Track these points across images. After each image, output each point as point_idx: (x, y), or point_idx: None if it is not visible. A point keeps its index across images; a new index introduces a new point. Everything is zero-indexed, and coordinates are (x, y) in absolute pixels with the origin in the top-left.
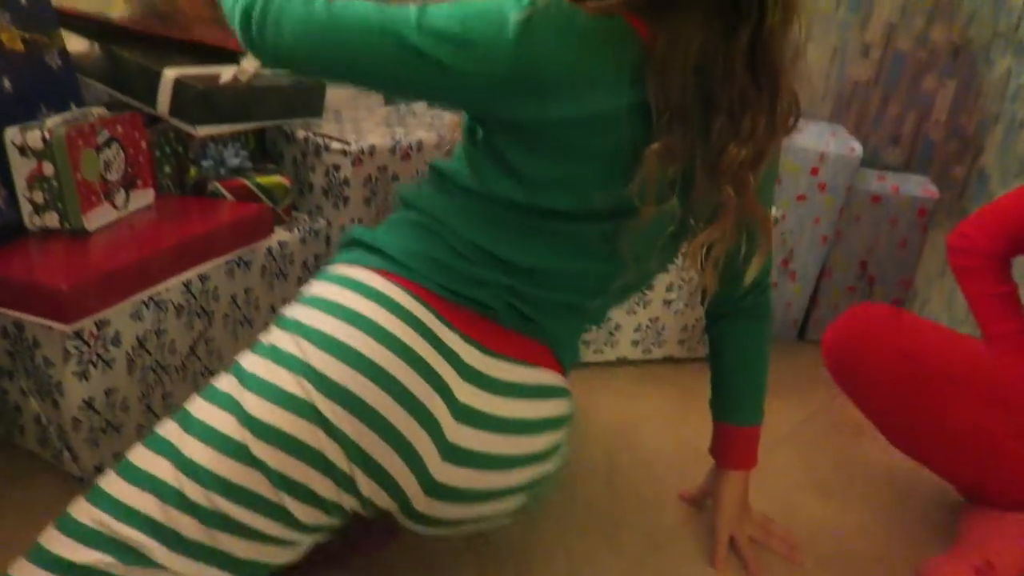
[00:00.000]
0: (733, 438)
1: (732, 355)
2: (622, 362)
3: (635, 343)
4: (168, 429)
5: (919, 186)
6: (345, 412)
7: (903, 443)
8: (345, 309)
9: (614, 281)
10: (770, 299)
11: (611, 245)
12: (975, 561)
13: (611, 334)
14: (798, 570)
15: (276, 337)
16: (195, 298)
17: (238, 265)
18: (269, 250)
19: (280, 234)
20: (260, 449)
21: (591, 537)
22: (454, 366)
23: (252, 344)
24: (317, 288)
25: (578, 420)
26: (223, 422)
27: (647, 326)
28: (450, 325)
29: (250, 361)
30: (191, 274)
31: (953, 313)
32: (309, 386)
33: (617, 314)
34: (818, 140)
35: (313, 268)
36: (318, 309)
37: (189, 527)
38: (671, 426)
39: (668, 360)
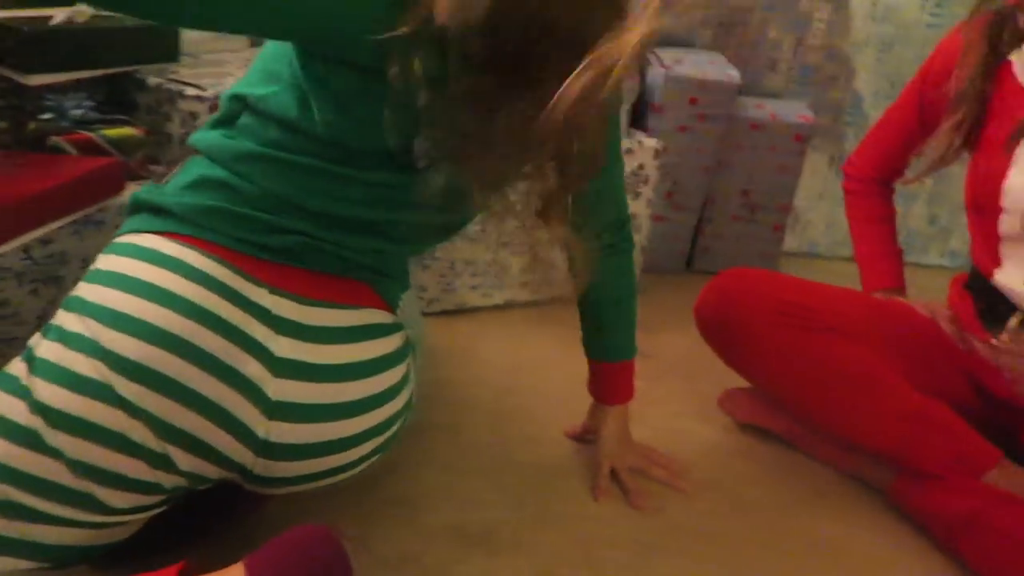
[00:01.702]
0: (608, 374)
1: (598, 292)
2: (510, 304)
3: (524, 285)
4: None
5: (796, 112)
6: (146, 389)
7: (788, 402)
8: (133, 280)
9: (423, 227)
10: (630, 233)
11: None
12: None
13: (498, 277)
14: (681, 494)
15: (63, 319)
16: (37, 264)
17: (86, 225)
18: (122, 207)
19: (135, 189)
20: (55, 437)
21: (476, 479)
22: (266, 322)
23: (42, 327)
24: (101, 262)
25: (465, 363)
26: (11, 409)
27: (535, 268)
28: (255, 280)
29: (40, 346)
30: (29, 238)
31: (833, 235)
32: (103, 367)
33: (504, 256)
34: (696, 69)
35: None
36: (104, 284)
37: None
38: (558, 366)
39: (557, 300)
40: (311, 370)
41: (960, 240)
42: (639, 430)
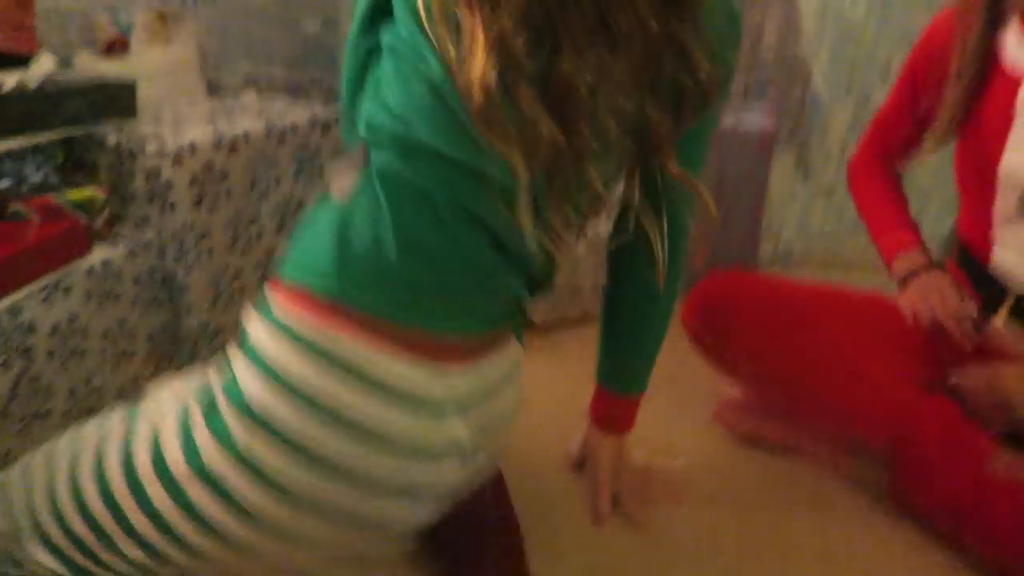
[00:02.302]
0: (614, 404)
1: (630, 325)
2: None
3: None
4: None
5: (758, 119)
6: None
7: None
8: None
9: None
10: (680, 275)
11: None
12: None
13: None
14: (683, 509)
15: None
16: (5, 335)
17: (54, 291)
18: (90, 270)
19: (102, 251)
20: None
21: None
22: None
23: None
24: None
25: None
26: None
27: None
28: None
29: None
30: None
31: (806, 237)
32: None
33: None
34: None
35: (148, 283)
36: None
37: None
38: (550, 392)
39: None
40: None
41: (927, 227)
42: (634, 447)
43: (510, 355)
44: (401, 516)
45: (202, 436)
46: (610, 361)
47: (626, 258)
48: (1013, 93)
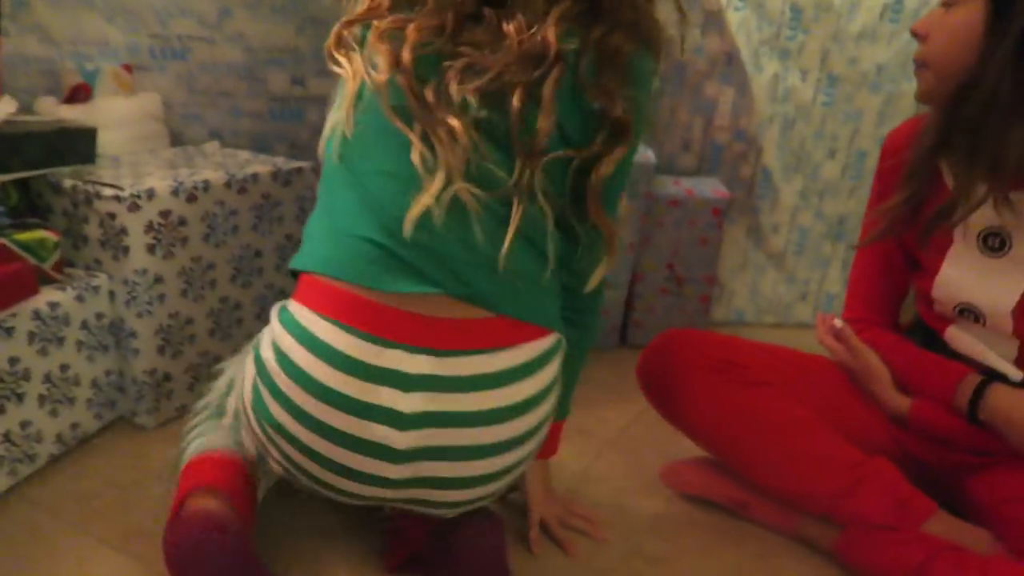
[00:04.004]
0: None
1: None
2: None
3: None
4: None
5: (711, 187)
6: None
7: (730, 457)
8: (293, 365)
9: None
10: (598, 307)
11: None
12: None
13: None
14: (632, 569)
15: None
16: None
17: None
18: (36, 312)
19: (49, 294)
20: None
21: None
22: (394, 383)
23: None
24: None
25: None
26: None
27: None
28: (388, 343)
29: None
30: None
31: (758, 303)
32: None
33: None
34: None
35: (95, 328)
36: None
37: None
38: None
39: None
40: (446, 418)
41: None
42: (585, 504)
43: (513, 360)
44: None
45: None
46: None
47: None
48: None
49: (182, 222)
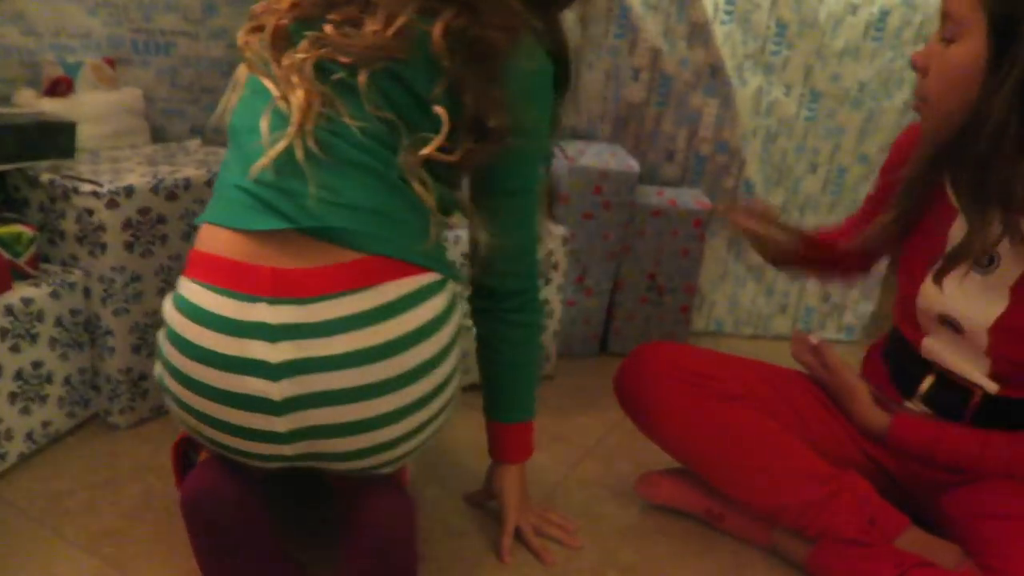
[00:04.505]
0: (505, 435)
1: (499, 359)
2: None
3: None
4: None
5: (693, 198)
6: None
7: (702, 470)
8: (175, 333)
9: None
10: (535, 307)
11: None
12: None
13: None
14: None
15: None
16: None
17: None
18: (9, 308)
19: (23, 289)
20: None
21: None
22: (262, 336)
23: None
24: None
25: None
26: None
27: None
28: (251, 297)
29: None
30: None
31: (737, 314)
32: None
33: None
34: (599, 160)
35: (70, 325)
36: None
37: None
38: (480, 453)
39: (472, 387)
40: (316, 364)
41: (853, 316)
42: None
43: (379, 299)
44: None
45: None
46: (491, 394)
47: (478, 288)
48: (948, 223)
49: (161, 220)
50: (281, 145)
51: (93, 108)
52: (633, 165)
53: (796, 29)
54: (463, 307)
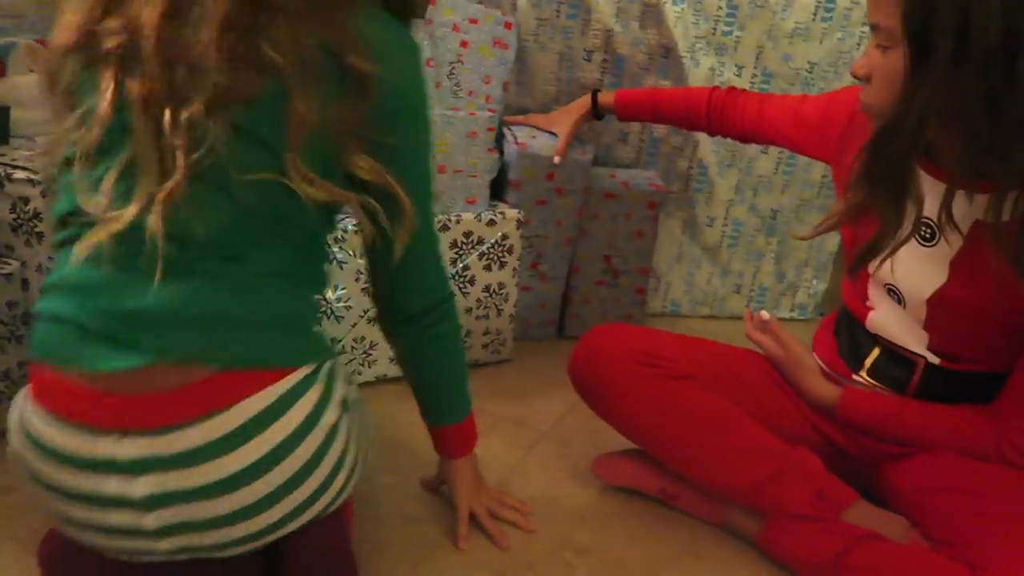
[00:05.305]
0: (447, 436)
1: (429, 372)
2: (381, 380)
3: (394, 360)
4: None
5: (647, 180)
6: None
7: (655, 450)
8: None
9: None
10: (455, 311)
11: None
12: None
13: (367, 353)
14: (564, 566)
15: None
16: None
17: None
18: None
19: None
20: None
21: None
22: (119, 471)
23: None
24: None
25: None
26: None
27: None
28: (100, 430)
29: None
30: None
31: (693, 295)
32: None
33: (371, 332)
34: (551, 145)
35: (7, 318)
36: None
37: None
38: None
39: None
40: (181, 496)
41: (806, 295)
42: (519, 496)
43: (237, 420)
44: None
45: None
46: (424, 403)
47: (391, 315)
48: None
49: None
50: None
51: (28, 92)
52: (587, 150)
53: (747, 10)
54: (343, 380)
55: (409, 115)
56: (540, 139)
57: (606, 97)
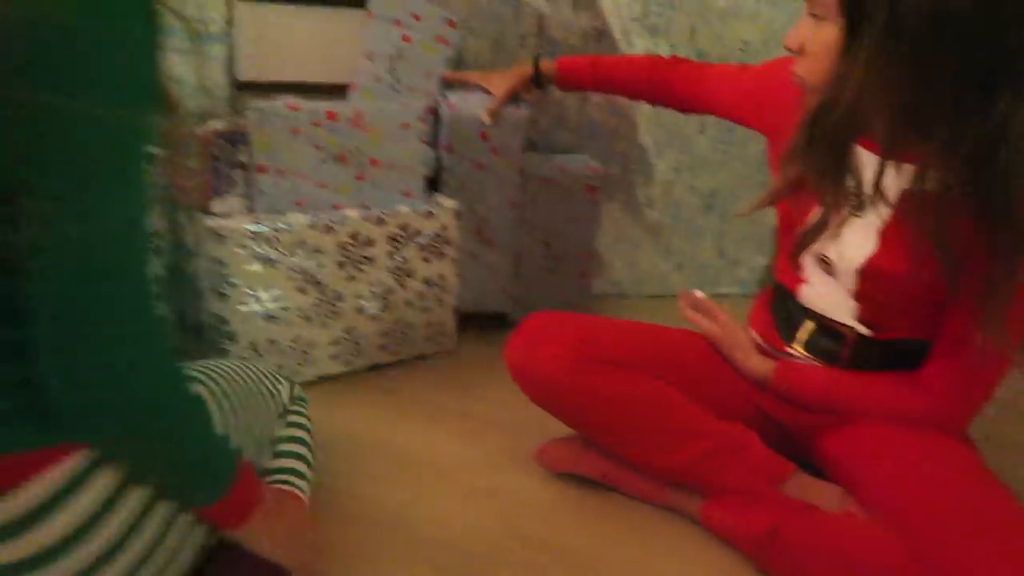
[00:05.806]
0: (219, 512)
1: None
2: (323, 379)
3: (334, 357)
4: None
5: (584, 164)
6: None
7: (593, 434)
8: None
9: None
10: (183, 392)
11: None
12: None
13: (305, 352)
14: (501, 546)
15: None
16: None
17: None
18: None
19: None
20: None
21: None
22: None
23: None
24: None
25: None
26: None
27: (344, 338)
28: None
29: None
30: None
31: (636, 276)
32: None
33: (308, 331)
34: (481, 105)
35: None
36: None
37: None
38: (381, 430)
39: (373, 368)
40: None
41: (747, 270)
42: (458, 489)
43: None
44: None
45: None
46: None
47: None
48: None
49: None
50: None
51: None
52: (521, 109)
53: None
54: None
55: None
56: (472, 99)
57: (547, 65)
